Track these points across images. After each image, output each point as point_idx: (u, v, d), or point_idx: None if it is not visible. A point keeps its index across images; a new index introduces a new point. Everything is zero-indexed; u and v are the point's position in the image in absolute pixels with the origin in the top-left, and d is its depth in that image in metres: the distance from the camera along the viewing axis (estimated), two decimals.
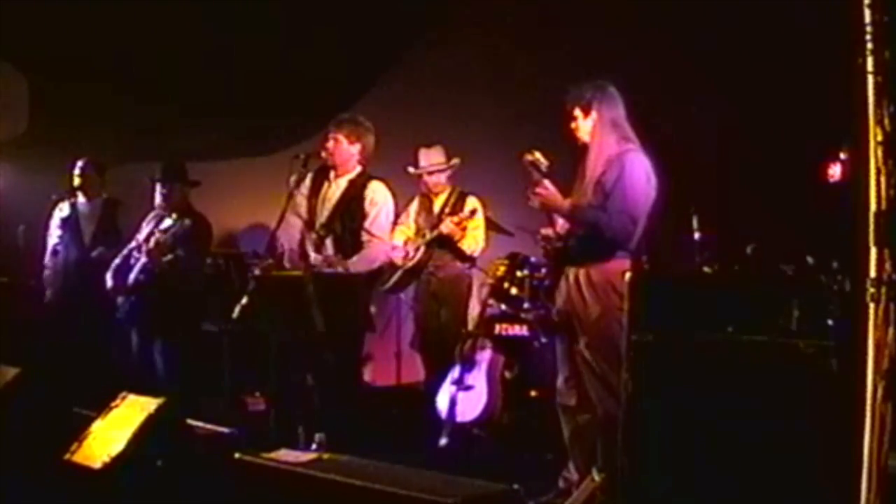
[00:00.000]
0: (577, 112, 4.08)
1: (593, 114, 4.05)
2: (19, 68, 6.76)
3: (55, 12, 6.16)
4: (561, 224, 4.12)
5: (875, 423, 2.31)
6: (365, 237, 5.02)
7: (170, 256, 5.44)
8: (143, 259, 5.53)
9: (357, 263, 4.96)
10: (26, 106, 6.83)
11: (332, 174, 5.14)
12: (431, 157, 5.90)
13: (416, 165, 5.93)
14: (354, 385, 5.18)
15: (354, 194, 5.06)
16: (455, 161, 5.88)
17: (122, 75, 6.62)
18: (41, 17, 6.18)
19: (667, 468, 3.29)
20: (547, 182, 4.02)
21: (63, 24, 6.26)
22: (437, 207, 5.92)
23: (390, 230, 5.32)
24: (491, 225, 5.93)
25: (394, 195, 5.21)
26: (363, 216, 5.03)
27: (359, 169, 5.13)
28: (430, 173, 5.87)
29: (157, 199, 5.74)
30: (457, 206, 5.81)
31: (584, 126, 4.08)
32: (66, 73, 6.58)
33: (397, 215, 5.72)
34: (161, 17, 6.38)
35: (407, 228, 5.94)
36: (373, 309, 5.81)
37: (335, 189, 5.11)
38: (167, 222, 5.63)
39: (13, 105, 6.77)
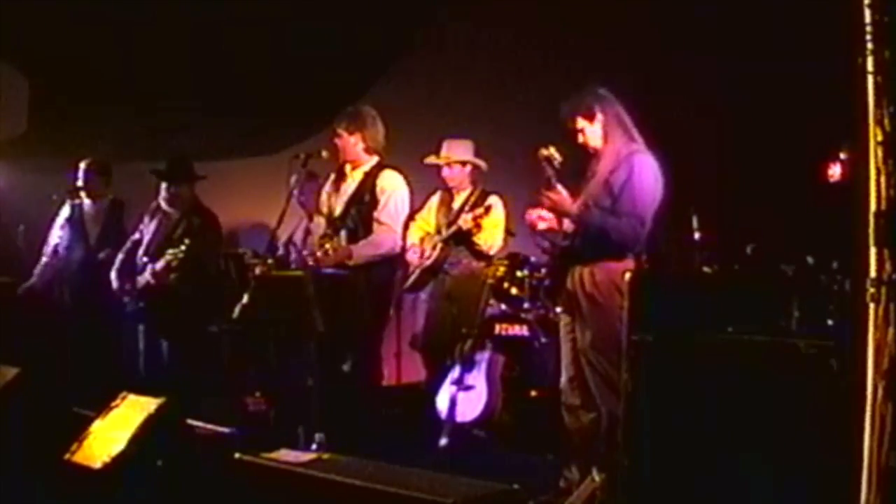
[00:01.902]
0: (582, 121, 4.03)
1: (599, 116, 4.02)
2: (19, 69, 6.76)
3: (56, 13, 6.16)
4: (567, 224, 4.12)
5: (875, 423, 2.31)
6: (375, 226, 5.01)
7: (175, 266, 5.35)
8: (148, 276, 5.48)
9: (362, 248, 4.94)
10: (26, 106, 6.82)
11: (347, 168, 5.16)
12: (453, 149, 5.76)
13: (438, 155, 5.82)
14: (355, 385, 5.17)
15: (367, 185, 5.07)
16: (473, 159, 5.71)
17: (123, 75, 6.62)
18: (41, 18, 6.18)
19: (667, 468, 3.29)
20: (559, 186, 4.02)
21: (63, 24, 6.26)
22: (456, 205, 5.80)
23: (404, 218, 5.22)
24: None
25: (410, 185, 5.18)
26: (375, 205, 5.03)
27: (374, 160, 5.12)
28: (450, 166, 5.73)
29: (163, 194, 5.62)
30: (476, 205, 5.67)
31: (594, 132, 4.03)
32: (66, 74, 6.58)
33: (418, 208, 5.68)
34: (161, 16, 6.38)
35: (425, 223, 5.83)
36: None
37: (350, 182, 5.13)
38: (173, 220, 5.60)
39: (13, 105, 6.77)
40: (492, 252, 5.68)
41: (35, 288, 6.18)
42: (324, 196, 5.22)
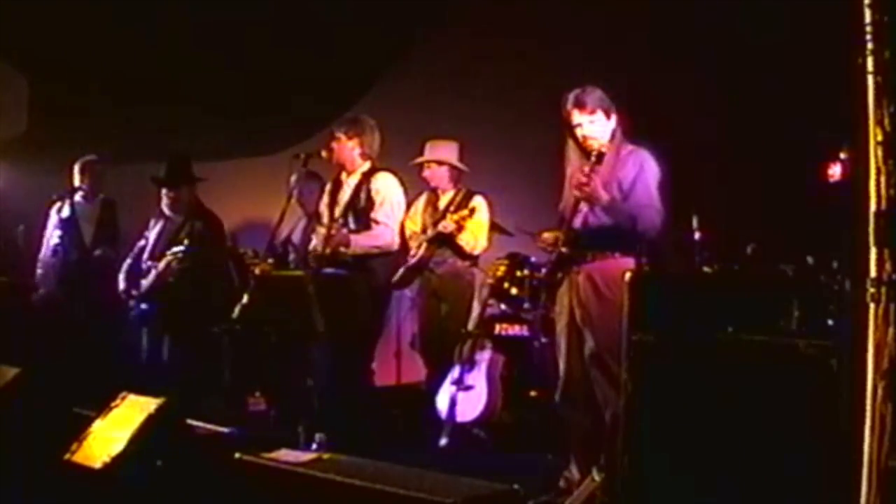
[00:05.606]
0: (600, 115, 4.01)
1: (614, 116, 4.05)
2: (19, 68, 6.75)
3: (55, 12, 6.16)
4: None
5: (875, 423, 2.31)
6: (373, 225, 5.07)
7: (176, 266, 5.41)
8: (154, 276, 5.51)
9: (361, 238, 5.01)
10: (26, 106, 6.82)
11: (343, 176, 5.22)
12: (433, 151, 5.78)
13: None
14: (355, 385, 5.17)
15: (363, 188, 5.13)
16: (449, 160, 5.73)
17: (123, 75, 6.62)
18: (41, 17, 6.18)
19: (667, 468, 3.29)
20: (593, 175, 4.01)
21: (63, 24, 6.26)
22: (442, 205, 5.83)
23: (401, 217, 5.29)
24: (492, 225, 5.89)
25: (404, 186, 5.22)
26: (371, 207, 5.08)
27: (367, 165, 5.17)
28: (429, 167, 5.77)
29: (164, 201, 5.68)
30: (461, 205, 5.70)
31: (605, 129, 4.02)
32: (66, 73, 6.58)
33: (406, 209, 5.71)
34: (161, 16, 6.38)
35: (413, 224, 5.85)
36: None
37: (346, 189, 5.20)
38: (176, 224, 5.61)
39: (13, 105, 6.77)
40: (475, 252, 5.72)
41: (48, 294, 6.18)
42: (322, 207, 5.29)
